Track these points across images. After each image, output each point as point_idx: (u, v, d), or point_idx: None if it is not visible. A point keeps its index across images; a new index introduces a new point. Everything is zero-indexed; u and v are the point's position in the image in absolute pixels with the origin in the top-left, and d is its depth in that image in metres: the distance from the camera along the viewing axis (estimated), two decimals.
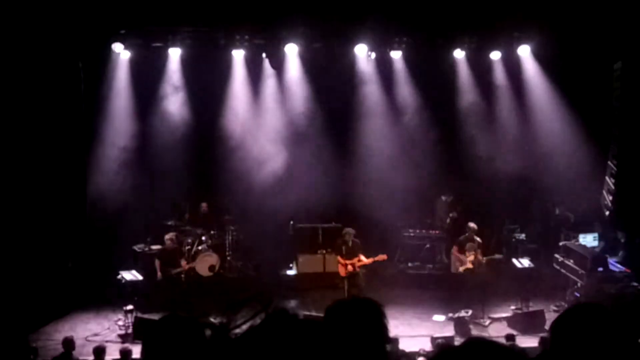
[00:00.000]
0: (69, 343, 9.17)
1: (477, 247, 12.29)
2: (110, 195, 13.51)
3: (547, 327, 10.71)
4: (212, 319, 1.88)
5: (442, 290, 12.74)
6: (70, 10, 12.03)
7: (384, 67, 14.49)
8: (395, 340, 9.05)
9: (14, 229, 11.88)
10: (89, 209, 13.42)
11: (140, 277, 11.77)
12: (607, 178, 14.15)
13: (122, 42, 13.23)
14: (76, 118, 13.21)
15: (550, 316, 11.16)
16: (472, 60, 14.42)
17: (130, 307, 11.17)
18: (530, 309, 11.64)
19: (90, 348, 9.56)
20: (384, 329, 2.78)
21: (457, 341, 9.61)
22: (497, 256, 12.38)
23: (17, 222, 12.10)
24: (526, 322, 11.12)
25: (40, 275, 12.10)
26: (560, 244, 12.76)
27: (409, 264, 14.39)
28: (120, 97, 13.87)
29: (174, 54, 13.80)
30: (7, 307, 10.85)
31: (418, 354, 9.10)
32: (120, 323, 11.36)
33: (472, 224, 12.61)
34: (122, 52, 13.50)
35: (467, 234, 12.54)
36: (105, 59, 13.47)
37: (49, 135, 12.82)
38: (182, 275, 12.49)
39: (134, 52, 13.65)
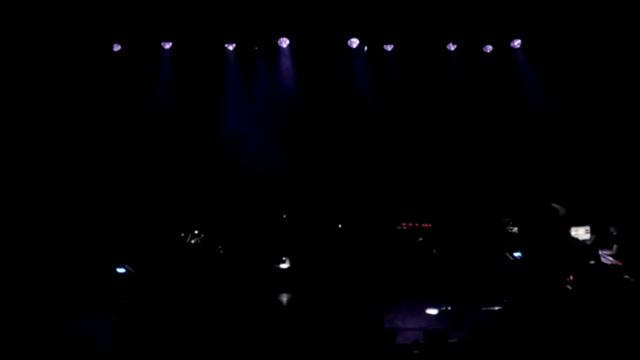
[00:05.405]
0: (61, 340, 9.11)
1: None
2: (106, 191, 13.50)
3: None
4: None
5: (435, 283, 12.76)
6: (67, 7, 12.06)
7: (376, 60, 14.47)
8: (392, 333, 9.08)
9: (13, 228, 11.90)
10: (86, 205, 13.42)
11: (133, 271, 11.76)
12: (600, 171, 14.21)
13: (116, 36, 13.20)
14: (75, 116, 13.23)
15: None
16: (465, 54, 14.44)
17: (123, 301, 11.16)
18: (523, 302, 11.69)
19: None
20: (379, 322, 2.80)
21: (451, 334, 9.63)
22: None
23: (16, 221, 12.11)
24: (518, 314, 11.15)
25: (38, 273, 12.12)
26: (553, 237, 12.79)
27: (402, 258, 14.39)
28: (114, 92, 13.85)
29: (167, 47, 13.79)
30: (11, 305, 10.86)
31: (412, 347, 9.13)
32: (114, 318, 11.33)
33: None
34: (115, 46, 13.47)
35: None
36: (100, 53, 13.45)
37: (48, 134, 12.83)
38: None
39: (127, 46, 13.60)
